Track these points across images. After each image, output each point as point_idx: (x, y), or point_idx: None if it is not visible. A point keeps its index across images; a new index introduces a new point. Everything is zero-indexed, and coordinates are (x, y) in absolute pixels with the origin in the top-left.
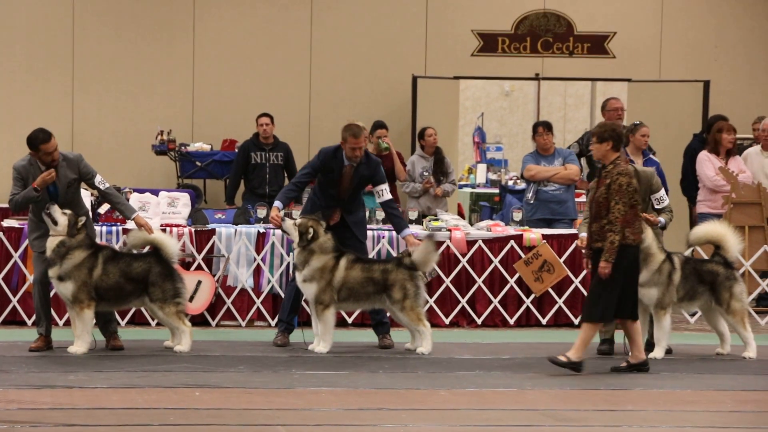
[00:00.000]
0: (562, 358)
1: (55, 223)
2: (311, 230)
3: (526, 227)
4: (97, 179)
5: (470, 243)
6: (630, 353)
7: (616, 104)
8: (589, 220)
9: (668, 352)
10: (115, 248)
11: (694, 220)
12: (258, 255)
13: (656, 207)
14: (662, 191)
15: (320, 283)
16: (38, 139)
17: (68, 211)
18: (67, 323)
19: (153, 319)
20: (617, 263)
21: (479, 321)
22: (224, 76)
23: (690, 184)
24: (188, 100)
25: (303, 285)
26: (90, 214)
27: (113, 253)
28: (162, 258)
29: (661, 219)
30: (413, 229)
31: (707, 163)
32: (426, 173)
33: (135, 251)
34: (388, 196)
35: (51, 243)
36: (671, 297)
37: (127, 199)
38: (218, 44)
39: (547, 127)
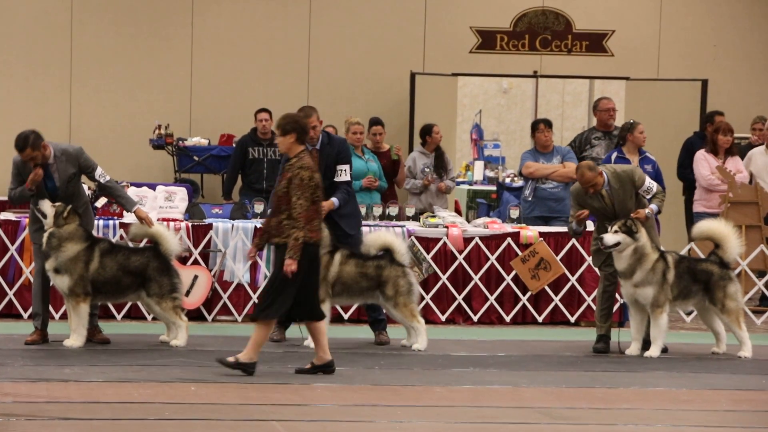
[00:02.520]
0: (232, 359)
1: (45, 216)
2: None
3: (523, 225)
4: (98, 172)
5: (467, 240)
6: (316, 354)
7: (608, 104)
8: (269, 214)
9: (664, 351)
10: (112, 241)
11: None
12: None
13: (647, 197)
14: (646, 182)
15: None
16: (16, 147)
17: (58, 204)
18: (63, 317)
19: (149, 314)
20: (300, 261)
21: (475, 318)
22: (222, 71)
23: (685, 174)
24: (186, 94)
25: None
26: (89, 204)
27: (110, 246)
28: (160, 253)
29: (654, 206)
30: (410, 225)
31: (703, 163)
32: (427, 170)
33: (132, 245)
34: (345, 177)
35: (45, 236)
36: (666, 295)
37: None
38: (216, 39)
39: (548, 124)
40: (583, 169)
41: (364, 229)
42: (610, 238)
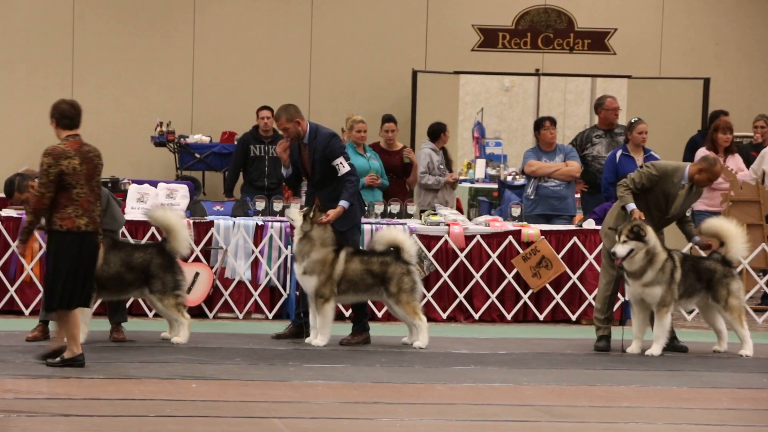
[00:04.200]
0: (58, 360)
1: None
2: (313, 209)
3: (525, 223)
4: None
5: (468, 238)
6: (68, 346)
7: (614, 104)
8: None
9: (684, 350)
10: (115, 237)
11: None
12: (256, 247)
13: (687, 214)
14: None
15: (320, 277)
16: (5, 193)
17: None
18: None
19: (150, 310)
20: (51, 250)
21: (476, 316)
22: (224, 68)
23: None
24: (188, 91)
25: (302, 277)
26: (110, 198)
27: (113, 242)
28: (164, 249)
29: (697, 239)
30: (412, 223)
31: None
32: (442, 166)
33: (134, 241)
34: (344, 170)
35: None
36: (673, 295)
37: (126, 190)
38: (218, 36)
39: (553, 122)
40: (720, 163)
41: (365, 227)
42: (621, 249)
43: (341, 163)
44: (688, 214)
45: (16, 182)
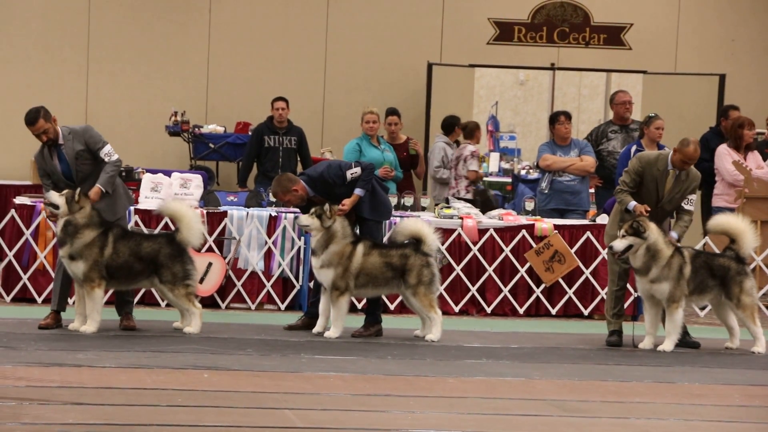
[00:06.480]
0: None
1: (57, 207)
2: (326, 208)
3: (538, 217)
4: (104, 151)
5: (482, 231)
6: None
7: (624, 97)
8: None
9: (696, 346)
10: (125, 227)
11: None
12: (269, 238)
13: (683, 205)
14: (695, 196)
15: (337, 270)
16: (26, 120)
17: (66, 191)
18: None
19: (163, 300)
20: None
21: (489, 310)
22: (239, 58)
23: (701, 168)
24: (203, 81)
25: (319, 271)
26: (117, 189)
27: (123, 231)
28: (173, 239)
29: (674, 234)
30: (425, 215)
31: (727, 157)
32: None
33: (148, 231)
34: (357, 173)
35: (59, 224)
36: (683, 290)
37: (140, 179)
38: (234, 26)
39: (568, 116)
40: (696, 144)
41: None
42: (619, 244)
43: (351, 171)
44: (687, 207)
45: (42, 111)
